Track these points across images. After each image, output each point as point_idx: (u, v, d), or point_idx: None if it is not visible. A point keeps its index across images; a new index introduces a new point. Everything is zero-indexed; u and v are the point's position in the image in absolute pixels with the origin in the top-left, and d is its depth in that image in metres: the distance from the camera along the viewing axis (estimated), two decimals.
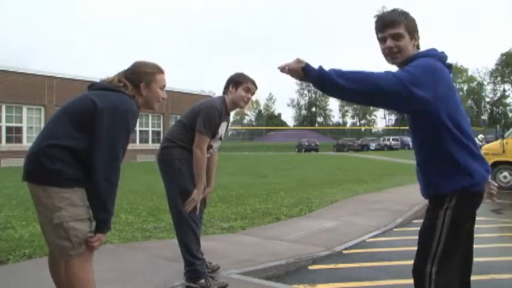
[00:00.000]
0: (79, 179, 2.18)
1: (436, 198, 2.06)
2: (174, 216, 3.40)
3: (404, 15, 2.07)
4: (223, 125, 3.47)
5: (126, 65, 2.50)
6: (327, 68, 1.87)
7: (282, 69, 1.96)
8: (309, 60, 1.95)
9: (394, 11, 2.09)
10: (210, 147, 3.41)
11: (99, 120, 2.16)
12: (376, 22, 2.09)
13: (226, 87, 3.50)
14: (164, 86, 2.50)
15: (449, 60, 2.13)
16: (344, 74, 1.83)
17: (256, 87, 3.54)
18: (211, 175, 3.62)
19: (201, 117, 3.30)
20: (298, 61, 1.92)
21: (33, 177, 2.20)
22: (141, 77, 2.39)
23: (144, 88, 2.39)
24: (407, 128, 2.26)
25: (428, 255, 2.00)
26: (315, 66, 1.90)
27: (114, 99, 2.24)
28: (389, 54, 2.06)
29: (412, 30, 2.07)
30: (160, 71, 2.48)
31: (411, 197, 8.69)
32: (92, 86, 2.39)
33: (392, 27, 2.03)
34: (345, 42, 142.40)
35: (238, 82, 3.46)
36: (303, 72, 1.92)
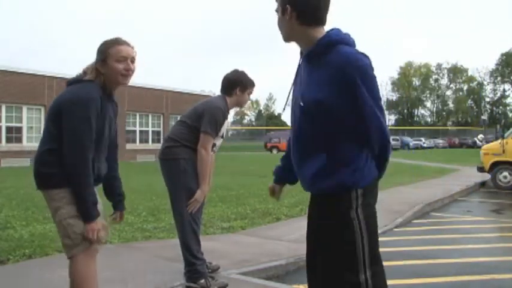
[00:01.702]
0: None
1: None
2: (176, 215, 3.40)
3: None
4: (225, 123, 3.49)
5: None
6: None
7: None
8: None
9: None
10: (213, 145, 3.42)
11: (63, 116, 2.22)
12: None
13: (231, 89, 3.49)
14: (123, 57, 2.31)
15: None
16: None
17: (254, 87, 3.62)
18: (209, 175, 3.62)
19: (206, 118, 3.30)
20: None
21: (37, 184, 2.33)
22: (97, 56, 2.35)
23: (101, 66, 2.32)
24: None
25: (356, 263, 1.75)
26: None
27: (71, 92, 2.27)
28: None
29: (282, 4, 1.79)
30: (116, 43, 2.34)
31: (411, 197, 8.70)
32: (67, 83, 2.42)
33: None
34: None
35: (245, 87, 3.51)
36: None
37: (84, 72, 2.37)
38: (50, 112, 2.31)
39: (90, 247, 2.28)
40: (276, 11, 1.86)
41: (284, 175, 2.25)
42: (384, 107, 2.02)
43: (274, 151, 39.15)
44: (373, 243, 1.78)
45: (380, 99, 1.77)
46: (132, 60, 2.36)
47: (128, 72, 2.34)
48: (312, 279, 2.03)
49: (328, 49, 1.74)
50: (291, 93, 1.96)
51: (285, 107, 2.07)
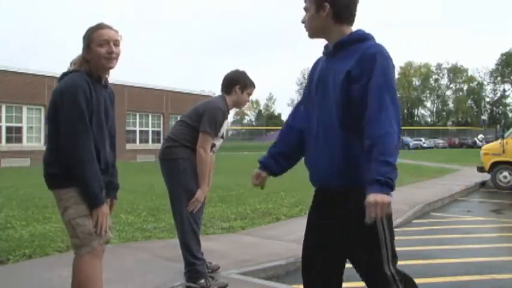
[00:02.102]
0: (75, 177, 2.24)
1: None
2: (176, 216, 3.40)
3: None
4: (225, 123, 3.48)
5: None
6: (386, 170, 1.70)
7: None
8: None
9: None
10: (212, 146, 3.41)
11: (59, 112, 2.23)
12: None
13: (230, 87, 3.49)
14: (105, 40, 2.28)
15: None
16: (393, 155, 1.72)
17: (255, 88, 3.62)
18: (209, 175, 3.62)
19: (205, 118, 3.30)
20: (386, 200, 1.69)
21: (47, 185, 2.34)
22: (82, 44, 2.33)
23: (87, 53, 2.31)
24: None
25: (383, 256, 1.87)
26: (383, 183, 1.68)
27: (59, 86, 2.28)
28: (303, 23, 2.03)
29: (319, 2, 1.91)
30: (97, 28, 2.32)
31: (411, 197, 8.70)
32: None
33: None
34: None
35: (245, 86, 3.50)
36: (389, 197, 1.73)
37: (72, 64, 2.37)
38: (48, 112, 2.34)
39: (97, 247, 2.27)
40: (305, 8, 1.97)
41: (270, 164, 2.22)
42: None
43: None
44: (393, 239, 1.92)
45: (395, 93, 1.84)
46: (116, 43, 2.32)
47: (111, 55, 2.29)
48: (313, 279, 2.00)
49: (359, 41, 1.91)
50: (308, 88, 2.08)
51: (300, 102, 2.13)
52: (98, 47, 2.27)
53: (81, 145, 2.19)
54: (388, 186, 1.69)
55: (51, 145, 2.28)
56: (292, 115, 2.20)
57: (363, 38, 1.93)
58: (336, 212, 1.94)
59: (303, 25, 2.01)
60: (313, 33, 2.01)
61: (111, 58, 2.30)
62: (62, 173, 2.23)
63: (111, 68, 2.35)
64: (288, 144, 2.18)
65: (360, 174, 1.79)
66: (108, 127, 2.42)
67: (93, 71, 2.32)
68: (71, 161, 2.19)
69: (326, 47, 2.03)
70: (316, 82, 2.00)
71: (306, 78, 2.23)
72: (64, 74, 2.36)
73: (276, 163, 2.20)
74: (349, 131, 1.85)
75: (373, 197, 1.68)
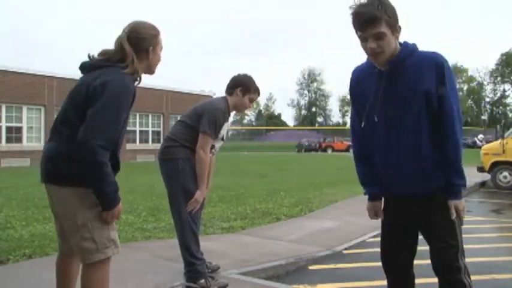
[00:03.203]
0: None
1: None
2: (175, 216, 3.39)
3: (384, 6, 1.86)
4: (226, 125, 3.47)
5: None
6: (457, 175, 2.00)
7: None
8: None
9: (372, 4, 1.86)
10: (212, 147, 3.41)
11: (97, 101, 2.03)
12: (353, 19, 1.90)
13: (232, 88, 3.48)
14: (162, 47, 2.32)
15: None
16: (460, 161, 1.99)
17: (259, 96, 3.59)
18: (209, 176, 3.62)
19: (205, 118, 3.29)
20: (463, 205, 2.06)
21: (54, 179, 2.14)
22: (147, 40, 2.20)
23: (151, 53, 2.22)
24: None
25: (458, 250, 2.06)
26: (459, 192, 2.03)
27: (104, 78, 2.06)
28: (372, 55, 1.94)
29: (394, 23, 1.90)
30: (159, 32, 2.29)
31: None
32: (84, 66, 2.22)
33: (373, 26, 1.86)
34: (345, 39, 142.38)
35: (248, 89, 3.47)
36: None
37: (112, 54, 2.18)
38: (77, 100, 2.10)
39: (115, 253, 2.15)
40: (377, 36, 1.87)
41: (378, 188, 2.23)
42: None
43: (329, 150, 40.38)
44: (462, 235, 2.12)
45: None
46: None
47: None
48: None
49: (413, 53, 1.97)
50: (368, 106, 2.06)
51: (362, 121, 2.09)
52: (160, 51, 2.28)
53: (98, 149, 1.99)
54: (461, 193, 2.03)
55: (74, 138, 2.03)
56: (358, 143, 2.23)
57: (415, 48, 2.00)
58: (415, 212, 2.12)
59: (372, 53, 1.92)
60: (387, 57, 1.94)
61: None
62: (83, 170, 2.03)
63: (152, 74, 2.37)
64: (371, 166, 2.21)
65: (436, 179, 2.02)
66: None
67: (140, 73, 2.23)
68: (90, 159, 1.99)
69: (375, 67, 2.02)
70: (383, 98, 2.00)
71: (350, 94, 2.22)
72: (101, 66, 2.15)
73: (379, 186, 2.23)
74: (429, 140, 1.99)
75: (456, 204, 2.02)
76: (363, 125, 2.09)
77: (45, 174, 2.16)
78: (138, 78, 2.25)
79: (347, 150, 37.14)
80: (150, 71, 2.32)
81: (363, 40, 1.91)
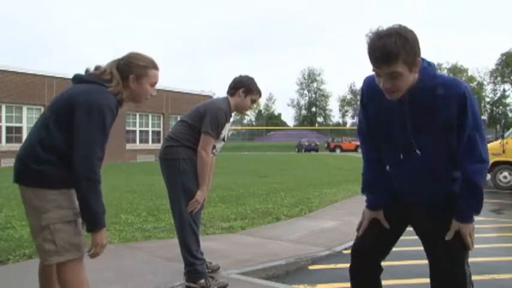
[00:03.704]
0: (66, 180, 2.12)
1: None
2: (176, 215, 3.39)
3: (402, 41, 1.68)
4: (227, 126, 3.46)
5: None
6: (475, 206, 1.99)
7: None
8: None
9: (389, 37, 1.68)
10: (213, 147, 3.40)
11: (75, 118, 2.10)
12: (368, 51, 1.74)
13: (234, 89, 3.48)
14: (155, 83, 2.36)
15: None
16: (481, 197, 1.96)
17: (260, 97, 3.58)
18: (209, 177, 3.61)
19: (207, 119, 3.28)
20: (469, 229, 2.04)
21: (22, 179, 2.19)
22: (132, 68, 2.27)
23: (133, 81, 2.27)
24: None
25: (464, 258, 2.06)
26: (473, 217, 2.02)
27: (90, 94, 2.13)
28: (387, 93, 1.82)
29: (412, 60, 1.73)
30: (154, 67, 2.35)
31: None
32: (75, 78, 2.28)
33: (388, 65, 1.70)
34: (345, 39, 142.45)
35: (250, 90, 3.47)
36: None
37: (102, 73, 2.24)
38: (57, 108, 2.17)
39: (75, 256, 2.16)
40: (392, 75, 1.74)
41: (381, 198, 2.17)
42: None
43: (338, 150, 40.97)
44: None
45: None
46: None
47: (149, 98, 2.37)
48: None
49: (433, 80, 1.85)
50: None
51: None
52: (149, 85, 2.31)
53: (95, 166, 2.08)
54: (472, 218, 2.01)
55: (48, 143, 2.12)
56: (369, 149, 2.17)
57: (434, 74, 1.88)
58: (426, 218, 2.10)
59: (386, 91, 1.81)
60: (402, 91, 1.82)
61: (148, 100, 2.38)
62: (55, 174, 2.11)
63: (140, 105, 2.43)
64: (379, 175, 2.15)
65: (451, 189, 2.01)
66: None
67: (126, 99, 2.30)
68: (81, 179, 2.06)
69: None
70: (400, 124, 1.93)
71: (361, 106, 2.11)
72: (89, 81, 2.22)
73: (382, 195, 2.17)
74: (449, 160, 1.96)
75: (462, 228, 2.01)
76: (379, 145, 2.05)
77: (15, 173, 2.22)
78: (121, 102, 2.29)
79: (355, 150, 37.40)
80: (135, 100, 2.36)
81: (377, 75, 1.79)
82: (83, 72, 2.32)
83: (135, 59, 2.30)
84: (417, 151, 1.92)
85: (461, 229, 1.98)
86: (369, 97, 2.02)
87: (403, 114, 1.89)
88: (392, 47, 1.66)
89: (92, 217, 2.11)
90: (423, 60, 1.84)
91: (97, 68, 2.31)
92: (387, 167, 2.08)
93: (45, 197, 2.12)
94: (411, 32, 1.73)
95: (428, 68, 1.85)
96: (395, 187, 2.10)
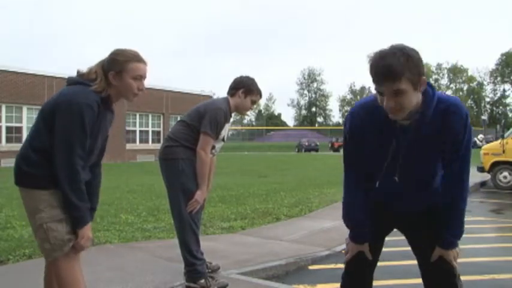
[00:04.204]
0: (55, 181, 2.14)
1: None
2: (175, 216, 3.39)
3: (406, 58, 1.64)
4: (226, 126, 3.46)
5: None
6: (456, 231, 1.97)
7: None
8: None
9: (393, 55, 1.64)
10: (212, 148, 3.40)
11: (56, 120, 2.13)
12: (372, 72, 1.69)
13: (235, 89, 3.47)
14: (140, 76, 2.27)
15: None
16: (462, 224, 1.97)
17: (261, 97, 3.56)
18: (210, 177, 3.61)
19: (207, 119, 3.28)
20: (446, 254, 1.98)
21: (17, 181, 2.25)
22: (112, 65, 2.24)
23: (114, 78, 2.22)
24: None
25: (456, 271, 2.01)
26: (456, 243, 1.98)
27: (70, 94, 2.15)
28: (391, 112, 1.74)
29: (417, 79, 1.68)
30: (136, 60, 2.27)
31: None
32: (67, 80, 2.31)
33: (391, 83, 1.65)
34: (345, 39, 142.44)
35: (250, 91, 3.45)
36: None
37: (87, 73, 2.27)
38: (45, 110, 2.21)
39: (73, 251, 2.20)
40: (396, 93, 1.67)
41: (369, 233, 2.07)
42: None
43: (342, 150, 41.45)
44: None
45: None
46: (145, 79, 2.32)
47: (140, 92, 2.30)
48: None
49: (435, 103, 1.81)
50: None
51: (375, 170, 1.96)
52: (132, 79, 2.24)
53: (74, 164, 2.11)
54: (456, 244, 1.98)
55: (39, 145, 2.17)
56: (356, 180, 2.02)
57: (434, 96, 1.82)
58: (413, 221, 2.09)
59: (390, 111, 1.72)
60: (407, 111, 1.74)
61: (137, 94, 2.30)
62: (44, 175, 2.15)
63: (130, 101, 2.37)
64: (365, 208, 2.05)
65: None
66: (102, 147, 2.38)
67: (111, 97, 2.27)
68: (61, 177, 2.10)
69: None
70: (395, 149, 1.87)
71: (350, 134, 1.97)
72: (78, 82, 2.24)
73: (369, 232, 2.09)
74: (436, 179, 1.98)
75: (451, 254, 1.97)
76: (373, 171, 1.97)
77: (14, 175, 2.28)
78: (110, 100, 2.28)
79: None
80: (123, 96, 2.32)
81: (380, 94, 1.72)
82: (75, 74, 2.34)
83: (115, 55, 2.28)
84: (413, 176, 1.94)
85: (445, 256, 1.97)
86: (360, 132, 1.91)
87: (405, 142, 1.85)
88: (396, 64, 1.63)
89: (76, 215, 2.15)
90: (428, 89, 1.80)
91: (88, 69, 2.32)
92: (376, 184, 1.98)
93: (37, 198, 2.16)
94: (414, 50, 1.70)
95: (430, 91, 1.81)
96: (383, 201, 2.06)
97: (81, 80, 2.24)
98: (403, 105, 1.69)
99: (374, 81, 1.70)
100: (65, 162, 2.10)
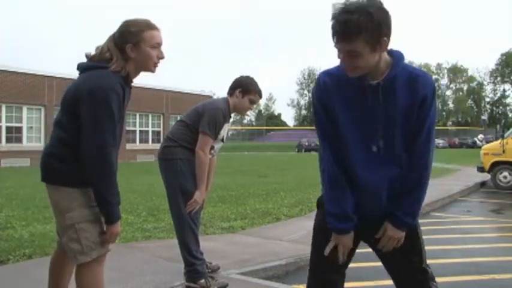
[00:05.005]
0: (86, 178, 2.05)
1: None
2: (174, 216, 3.39)
3: (366, 18, 1.55)
4: (226, 126, 3.45)
5: None
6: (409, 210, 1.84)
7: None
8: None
9: (353, 13, 1.56)
10: (211, 148, 3.40)
11: (81, 110, 2.02)
12: (331, 26, 1.62)
13: (233, 89, 3.46)
14: (158, 43, 2.16)
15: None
16: (420, 200, 1.85)
17: (260, 98, 3.53)
18: (209, 178, 3.61)
19: (205, 118, 3.27)
20: (399, 234, 1.85)
21: (46, 178, 2.16)
22: (126, 37, 2.10)
23: (132, 50, 2.10)
24: None
25: (429, 278, 1.94)
26: (405, 220, 1.84)
27: (91, 81, 2.03)
28: (346, 70, 1.69)
29: (375, 40, 1.59)
30: (150, 28, 2.15)
31: None
32: (78, 67, 2.18)
33: (347, 42, 1.59)
34: None
35: (247, 90, 3.42)
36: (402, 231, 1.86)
37: (99, 54, 2.13)
38: (66, 102, 2.10)
39: (100, 256, 2.15)
40: (351, 54, 1.61)
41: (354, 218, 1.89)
42: None
43: None
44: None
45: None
46: (161, 46, 2.20)
47: (159, 61, 2.18)
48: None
49: (402, 68, 1.76)
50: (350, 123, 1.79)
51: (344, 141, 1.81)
52: (150, 48, 2.13)
53: (107, 155, 2.01)
54: (405, 228, 1.86)
55: (66, 139, 2.07)
56: (332, 161, 1.84)
57: (403, 61, 1.77)
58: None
59: (345, 68, 1.68)
60: (364, 71, 1.69)
61: (158, 64, 2.19)
62: (75, 171, 2.05)
63: (153, 72, 2.24)
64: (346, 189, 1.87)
65: None
66: (120, 134, 2.23)
67: (131, 73, 2.15)
68: (92, 169, 2.01)
69: (361, 79, 1.73)
70: (371, 117, 1.77)
71: (318, 111, 1.85)
72: (92, 66, 2.11)
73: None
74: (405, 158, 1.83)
75: (391, 234, 1.86)
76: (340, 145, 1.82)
77: (41, 173, 2.19)
78: (129, 77, 2.17)
79: None
80: (144, 69, 2.21)
81: (337, 50, 1.67)
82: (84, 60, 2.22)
83: (126, 27, 2.14)
84: (374, 147, 1.78)
85: (394, 234, 1.84)
86: (333, 94, 1.79)
87: (377, 103, 1.74)
88: (353, 25, 1.55)
89: (109, 209, 2.07)
90: (393, 50, 1.75)
91: (97, 48, 2.19)
92: (357, 171, 1.82)
93: (68, 196, 2.09)
94: (381, 9, 1.60)
95: (397, 56, 1.76)
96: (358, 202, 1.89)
97: (95, 64, 2.11)
98: (357, 65, 1.64)
99: (332, 36, 1.64)
100: (98, 154, 1.99)
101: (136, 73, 2.21)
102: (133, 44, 2.10)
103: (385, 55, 1.72)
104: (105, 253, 2.21)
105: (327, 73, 1.83)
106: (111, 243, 2.18)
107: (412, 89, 1.73)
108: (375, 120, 1.76)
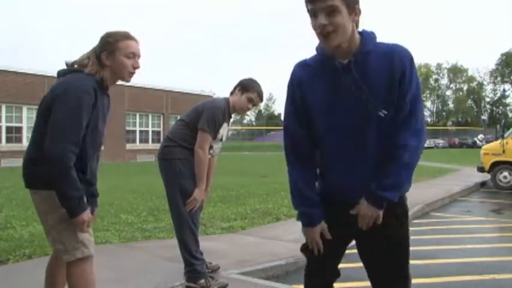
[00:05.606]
0: None
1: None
2: (174, 216, 3.39)
3: None
4: (225, 126, 3.45)
5: None
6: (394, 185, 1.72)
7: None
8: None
9: None
10: (210, 147, 3.40)
11: (53, 108, 2.09)
12: None
13: (234, 88, 3.49)
14: (132, 53, 2.24)
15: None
16: (410, 168, 1.75)
17: (261, 100, 3.51)
18: (209, 178, 3.61)
19: (204, 116, 3.28)
20: (375, 211, 1.73)
21: (28, 184, 2.21)
22: (103, 47, 2.22)
23: (107, 58, 2.21)
24: None
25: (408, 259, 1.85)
26: (388, 195, 1.71)
27: (65, 83, 2.13)
28: (322, 35, 1.59)
29: (352, 2, 1.59)
30: (125, 38, 2.25)
31: (411, 197, 8.66)
32: (58, 74, 2.28)
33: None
34: None
35: (245, 89, 3.43)
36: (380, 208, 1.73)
37: (80, 60, 2.24)
38: (42, 106, 2.19)
39: (85, 254, 2.17)
40: (330, 10, 1.56)
41: (320, 209, 1.84)
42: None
43: None
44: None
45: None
46: (139, 58, 2.29)
47: (135, 70, 2.25)
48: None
49: (375, 45, 1.71)
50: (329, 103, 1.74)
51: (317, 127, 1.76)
52: (125, 58, 2.22)
53: (67, 151, 2.02)
54: (383, 204, 1.73)
55: (38, 141, 2.12)
56: (299, 140, 1.82)
57: (375, 38, 1.73)
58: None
59: (322, 31, 1.59)
60: (341, 42, 1.62)
61: (133, 73, 2.26)
62: (47, 173, 2.08)
63: (128, 82, 2.32)
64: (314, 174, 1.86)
65: None
66: (100, 137, 2.29)
67: (106, 79, 2.24)
68: (51, 164, 2.03)
69: (330, 57, 1.70)
70: (344, 97, 1.71)
71: (293, 97, 1.81)
72: (70, 71, 2.23)
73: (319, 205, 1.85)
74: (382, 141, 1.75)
75: (371, 212, 1.73)
76: (316, 132, 1.77)
77: (23, 178, 2.24)
78: (104, 83, 2.24)
79: None
80: (118, 76, 2.27)
81: (313, 15, 1.59)
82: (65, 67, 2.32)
83: (104, 37, 2.26)
84: (381, 113, 1.68)
85: (368, 212, 1.72)
86: (308, 82, 1.75)
87: (352, 82, 1.67)
88: None
89: (69, 204, 2.07)
90: (364, 30, 1.72)
91: (80, 58, 2.30)
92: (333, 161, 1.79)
93: (47, 198, 2.13)
94: None
95: (368, 32, 1.73)
96: (334, 188, 1.84)
97: (72, 69, 2.24)
98: (336, 25, 1.56)
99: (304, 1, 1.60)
100: (56, 148, 2.02)
101: (112, 81, 2.29)
102: (108, 52, 2.21)
103: (356, 32, 1.67)
104: (91, 253, 2.21)
105: (298, 63, 1.82)
106: (85, 230, 2.15)
107: (389, 62, 1.67)
108: (354, 99, 1.68)
